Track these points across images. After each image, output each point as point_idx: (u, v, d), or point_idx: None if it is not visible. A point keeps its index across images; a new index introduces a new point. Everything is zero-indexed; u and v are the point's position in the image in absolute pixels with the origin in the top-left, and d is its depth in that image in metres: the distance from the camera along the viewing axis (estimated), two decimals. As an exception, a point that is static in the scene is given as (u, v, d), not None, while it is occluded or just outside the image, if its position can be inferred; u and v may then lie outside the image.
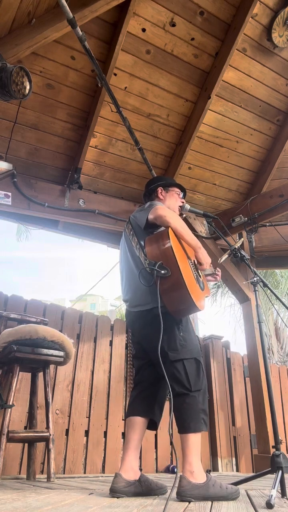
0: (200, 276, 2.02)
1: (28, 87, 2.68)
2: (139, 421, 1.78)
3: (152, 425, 1.84)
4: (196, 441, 1.64)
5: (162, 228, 1.91)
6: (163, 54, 3.59)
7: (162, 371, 1.62)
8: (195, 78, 3.82)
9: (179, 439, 1.67)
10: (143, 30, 3.42)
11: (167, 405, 1.78)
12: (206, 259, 1.96)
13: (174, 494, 1.53)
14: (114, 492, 1.59)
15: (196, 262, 2.00)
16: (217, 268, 2.22)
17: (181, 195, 2.24)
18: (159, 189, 2.18)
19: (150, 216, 1.89)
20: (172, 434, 1.50)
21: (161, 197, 2.16)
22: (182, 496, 1.50)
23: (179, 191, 2.23)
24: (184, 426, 1.64)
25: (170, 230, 1.80)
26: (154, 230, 1.94)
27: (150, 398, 1.83)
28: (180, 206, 2.19)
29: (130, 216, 2.10)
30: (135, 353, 2.01)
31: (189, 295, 1.70)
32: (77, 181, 3.83)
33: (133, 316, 1.92)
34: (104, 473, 3.41)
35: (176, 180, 2.29)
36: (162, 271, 1.70)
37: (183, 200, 2.23)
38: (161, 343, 1.64)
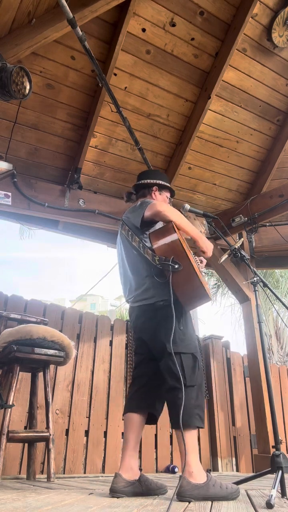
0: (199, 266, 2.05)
1: (28, 87, 2.68)
2: (136, 419, 1.78)
3: (152, 419, 1.84)
4: (193, 439, 1.63)
5: (160, 224, 1.92)
6: (163, 54, 3.59)
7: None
8: (195, 78, 3.82)
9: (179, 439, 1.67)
10: (143, 30, 3.42)
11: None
12: (208, 246, 1.98)
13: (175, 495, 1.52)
14: (114, 492, 1.59)
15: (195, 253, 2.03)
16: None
17: (170, 199, 2.25)
18: (155, 188, 2.17)
19: (147, 213, 1.89)
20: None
21: (154, 196, 2.16)
22: (182, 496, 1.49)
23: (169, 196, 2.24)
24: (177, 421, 1.63)
25: (174, 223, 1.82)
26: (150, 227, 1.94)
27: (149, 392, 1.83)
28: None
29: (122, 217, 2.10)
30: (135, 349, 2.02)
31: (201, 285, 1.75)
32: (77, 181, 3.83)
33: (136, 311, 1.93)
34: (104, 473, 3.41)
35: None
36: (176, 266, 1.73)
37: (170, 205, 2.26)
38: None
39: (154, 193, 2.16)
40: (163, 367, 1.66)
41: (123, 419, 3.67)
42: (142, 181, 2.21)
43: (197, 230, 1.97)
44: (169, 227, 1.83)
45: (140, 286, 1.88)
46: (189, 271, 1.74)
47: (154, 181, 2.19)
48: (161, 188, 2.19)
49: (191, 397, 1.66)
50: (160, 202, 1.94)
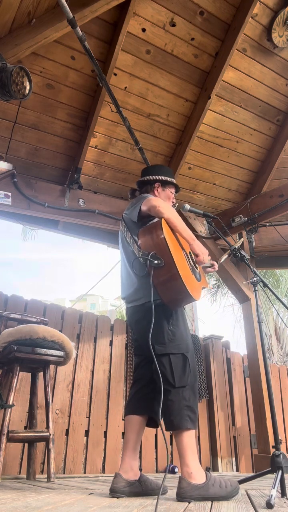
0: (196, 267, 2.02)
1: (28, 87, 2.68)
2: (136, 420, 1.77)
3: (153, 422, 1.83)
4: (189, 440, 1.61)
5: (156, 220, 1.90)
6: (163, 54, 3.59)
7: (155, 364, 1.60)
8: (195, 78, 3.82)
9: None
10: (143, 30, 3.42)
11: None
12: (201, 250, 1.92)
13: (170, 493, 1.53)
14: (114, 492, 1.59)
15: (192, 255, 2.00)
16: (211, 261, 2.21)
17: (174, 194, 2.22)
18: (157, 185, 2.15)
19: (143, 207, 1.88)
20: (164, 434, 1.50)
21: (156, 193, 2.14)
22: (182, 497, 1.49)
23: (174, 191, 2.22)
24: (168, 422, 1.62)
25: (163, 220, 1.80)
26: (147, 222, 1.92)
27: (147, 395, 1.81)
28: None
29: (123, 214, 2.10)
30: (134, 350, 2.01)
31: (183, 285, 1.69)
32: (77, 181, 3.83)
33: (130, 312, 1.93)
34: (104, 473, 3.41)
35: (176, 180, 2.27)
36: (155, 261, 1.70)
37: (174, 200, 2.23)
38: (149, 337, 1.63)
39: (157, 190, 2.13)
40: (154, 368, 1.65)
41: (123, 419, 3.69)
42: (145, 178, 2.18)
43: (190, 232, 1.91)
44: (157, 224, 1.80)
45: (131, 286, 1.88)
46: (171, 270, 1.69)
47: (157, 177, 2.15)
48: (164, 184, 2.16)
49: (182, 398, 1.64)
50: (157, 198, 1.92)
